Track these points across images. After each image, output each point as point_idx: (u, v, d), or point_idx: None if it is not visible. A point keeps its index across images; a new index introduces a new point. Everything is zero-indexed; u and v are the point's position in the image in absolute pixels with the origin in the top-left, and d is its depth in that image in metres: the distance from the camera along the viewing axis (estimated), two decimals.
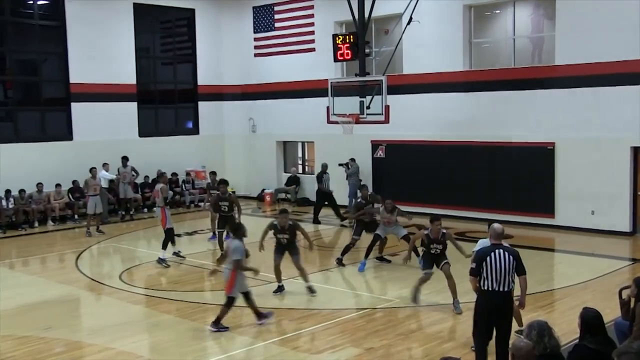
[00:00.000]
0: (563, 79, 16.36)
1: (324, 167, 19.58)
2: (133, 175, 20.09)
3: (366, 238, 13.47)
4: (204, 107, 23.62)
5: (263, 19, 23.11)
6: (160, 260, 13.83)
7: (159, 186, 14.46)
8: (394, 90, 16.50)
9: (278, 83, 22.57)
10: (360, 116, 15.89)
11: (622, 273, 12.48)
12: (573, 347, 5.90)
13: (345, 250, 13.54)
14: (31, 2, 20.13)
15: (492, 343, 7.40)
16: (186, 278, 13.01)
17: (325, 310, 10.51)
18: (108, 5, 20.82)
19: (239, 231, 9.83)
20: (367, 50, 16.63)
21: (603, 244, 15.08)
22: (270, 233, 11.49)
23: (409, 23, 16.46)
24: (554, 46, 16.80)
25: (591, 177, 16.07)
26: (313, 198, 20.56)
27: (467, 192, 18.01)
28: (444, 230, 10.29)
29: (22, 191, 18.52)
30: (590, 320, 5.88)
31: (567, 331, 8.23)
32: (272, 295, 11.27)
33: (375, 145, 20.11)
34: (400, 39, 17.41)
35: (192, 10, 23.16)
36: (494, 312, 7.29)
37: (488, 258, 7.24)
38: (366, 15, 16.29)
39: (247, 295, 9.69)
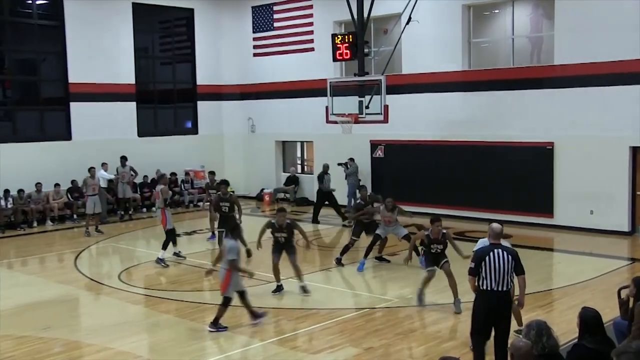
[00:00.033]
0: (562, 79, 16.36)
1: (326, 167, 19.53)
2: (132, 175, 20.06)
3: (365, 239, 13.46)
4: (202, 106, 23.61)
5: (262, 19, 23.10)
6: (159, 260, 13.82)
7: (159, 187, 14.46)
8: (393, 90, 16.53)
9: (277, 83, 22.56)
10: (359, 116, 15.91)
11: (620, 273, 12.48)
12: (572, 347, 5.90)
13: (344, 251, 13.53)
14: (30, 1, 20.10)
15: (491, 343, 7.40)
16: (185, 278, 13.00)
17: (324, 310, 10.50)
18: (107, 5, 20.80)
19: (236, 231, 9.92)
20: (366, 50, 16.67)
21: (602, 243, 15.07)
22: (268, 232, 11.50)
23: (408, 23, 16.47)
24: (552, 46, 16.81)
25: (590, 177, 16.07)
26: (312, 198, 20.57)
27: (466, 191, 18.01)
28: (444, 231, 10.35)
29: (20, 191, 18.50)
30: (589, 319, 5.88)
31: (566, 331, 8.25)
32: (270, 295, 11.26)
33: (374, 145, 20.10)
34: (399, 39, 17.40)
35: (191, 10, 23.15)
36: (492, 311, 7.28)
37: (487, 258, 7.23)
38: (365, 15, 16.32)
39: (242, 295, 9.71)
